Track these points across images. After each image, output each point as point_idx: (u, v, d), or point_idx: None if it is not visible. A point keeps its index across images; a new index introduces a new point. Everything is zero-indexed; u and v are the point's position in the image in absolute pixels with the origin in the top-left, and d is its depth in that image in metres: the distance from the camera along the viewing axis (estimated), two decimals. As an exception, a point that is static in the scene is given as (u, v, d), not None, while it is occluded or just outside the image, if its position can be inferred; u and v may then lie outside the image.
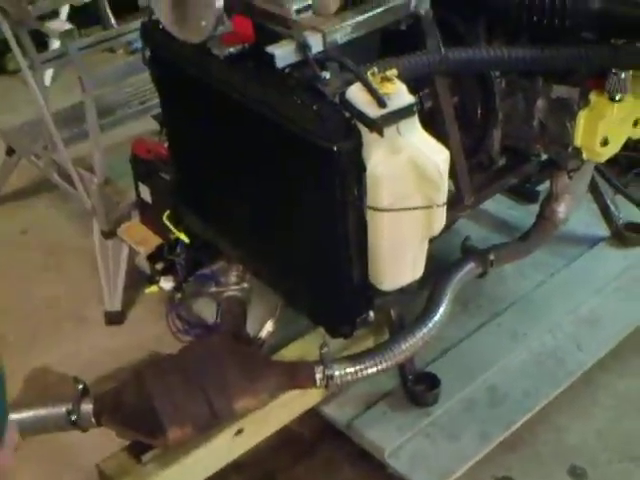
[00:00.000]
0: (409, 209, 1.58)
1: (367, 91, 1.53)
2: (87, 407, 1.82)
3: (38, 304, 2.78)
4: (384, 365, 1.92)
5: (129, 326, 2.67)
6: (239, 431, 1.93)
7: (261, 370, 1.88)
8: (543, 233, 2.26)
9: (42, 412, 1.84)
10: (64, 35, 2.21)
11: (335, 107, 1.56)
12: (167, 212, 2.35)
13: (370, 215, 1.61)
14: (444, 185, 1.55)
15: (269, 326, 1.99)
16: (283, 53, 1.59)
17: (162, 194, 2.42)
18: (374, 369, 1.91)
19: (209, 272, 2.40)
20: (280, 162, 1.67)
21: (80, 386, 1.84)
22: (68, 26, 2.25)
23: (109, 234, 2.63)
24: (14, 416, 1.80)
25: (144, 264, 2.55)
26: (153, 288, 2.37)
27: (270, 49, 1.59)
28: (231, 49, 1.69)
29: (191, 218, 2.14)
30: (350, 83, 1.58)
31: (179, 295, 2.37)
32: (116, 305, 2.66)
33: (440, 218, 1.61)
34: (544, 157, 2.14)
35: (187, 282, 2.39)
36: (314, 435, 2.24)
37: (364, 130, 1.55)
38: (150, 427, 1.78)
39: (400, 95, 1.54)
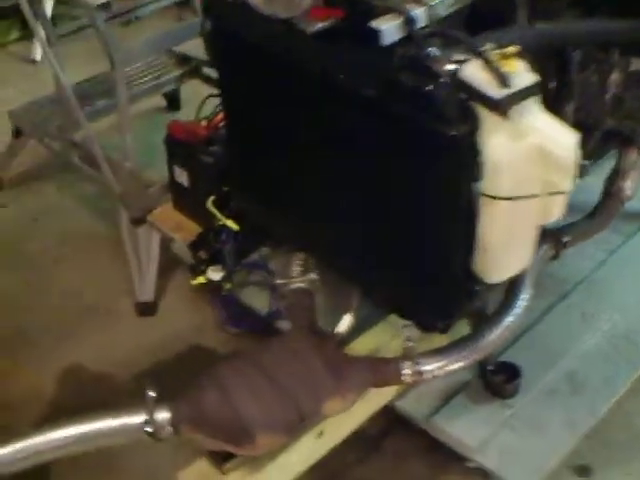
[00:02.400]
0: (532, 197, 1.46)
1: (487, 69, 1.40)
2: (163, 416, 1.68)
3: (58, 297, 2.62)
4: (472, 358, 1.82)
5: (163, 317, 2.52)
6: (320, 433, 1.82)
7: (346, 368, 1.76)
8: (610, 211, 2.16)
9: (110, 423, 1.69)
10: (99, 8, 2.02)
11: (450, 88, 1.43)
12: (211, 197, 2.20)
13: (485, 203, 1.49)
14: (573, 171, 1.44)
15: (347, 319, 1.86)
16: (389, 29, 1.45)
17: (203, 178, 2.27)
18: (462, 363, 1.81)
19: (258, 260, 2.26)
20: (383, 147, 1.54)
21: (153, 393, 1.69)
22: (101, -1, 2.06)
23: (139, 221, 2.46)
24: (74, 429, 1.67)
25: (183, 252, 2.40)
26: (200, 279, 2.22)
27: (375, 24, 1.46)
28: (320, 24, 1.55)
29: (250, 204, 2.00)
30: (460, 61, 1.45)
31: (228, 285, 2.23)
32: (148, 295, 2.51)
33: (561, 204, 1.50)
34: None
35: (236, 271, 2.24)
36: (379, 431, 2.13)
37: (482, 112, 1.42)
38: (238, 435, 1.65)
39: (522, 73, 1.42)
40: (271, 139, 1.81)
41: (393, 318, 2.03)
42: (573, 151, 1.42)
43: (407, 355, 1.78)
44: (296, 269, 2.01)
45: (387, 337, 1.99)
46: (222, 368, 1.73)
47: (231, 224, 2.18)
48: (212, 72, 2.88)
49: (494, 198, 1.47)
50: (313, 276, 1.97)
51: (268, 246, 2.32)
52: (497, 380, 1.96)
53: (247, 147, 1.93)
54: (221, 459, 1.74)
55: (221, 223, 2.20)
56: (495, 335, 1.82)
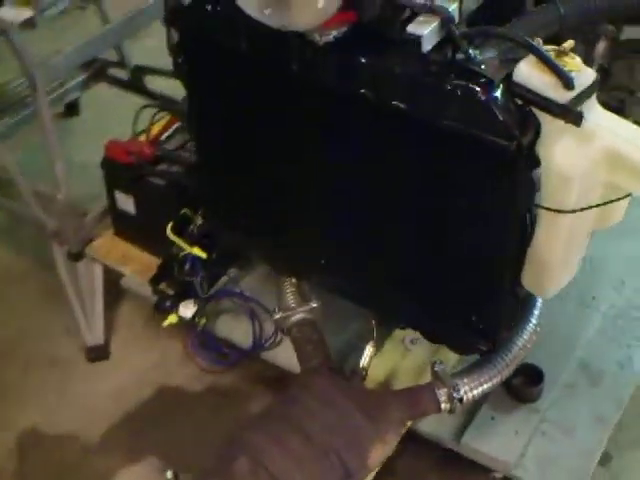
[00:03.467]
0: (598, 205, 1.31)
1: (544, 69, 1.24)
2: (187, 497, 1.46)
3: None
4: (507, 371, 1.68)
5: (118, 360, 2.25)
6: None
7: (380, 407, 1.59)
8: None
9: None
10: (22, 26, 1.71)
11: (505, 94, 1.25)
12: (170, 224, 1.96)
13: (547, 217, 1.33)
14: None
15: (368, 352, 1.68)
16: (430, 33, 1.26)
17: (154, 203, 2.02)
18: (499, 378, 1.68)
19: (231, 286, 2.03)
20: (425, 163, 1.36)
21: (170, 475, 1.46)
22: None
23: (78, 256, 2.17)
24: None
25: (136, 287, 2.15)
26: (171, 318, 1.98)
27: (413, 29, 1.25)
28: (334, 32, 1.33)
29: (235, 237, 1.77)
30: (508, 62, 1.28)
31: (203, 320, 2.00)
32: (97, 337, 2.23)
33: (623, 208, 1.37)
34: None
35: (209, 303, 2.01)
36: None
37: (543, 118, 1.26)
38: (281, 508, 1.45)
39: (583, 70, 1.27)
40: (263, 164, 1.58)
41: (396, 333, 1.88)
42: (645, 150, 1.28)
43: (441, 380, 1.63)
44: (291, 299, 1.80)
45: (398, 356, 1.83)
46: (251, 434, 1.52)
47: (198, 252, 1.95)
48: (120, 73, 2.59)
49: (559, 211, 1.31)
50: (314, 304, 1.77)
51: (237, 268, 2.10)
52: (520, 385, 1.84)
53: (228, 174, 1.68)
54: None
55: (185, 252, 1.96)
56: (523, 343, 1.69)
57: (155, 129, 2.12)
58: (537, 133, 1.27)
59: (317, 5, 1.24)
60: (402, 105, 1.29)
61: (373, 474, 1.63)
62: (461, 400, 1.62)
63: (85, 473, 2.00)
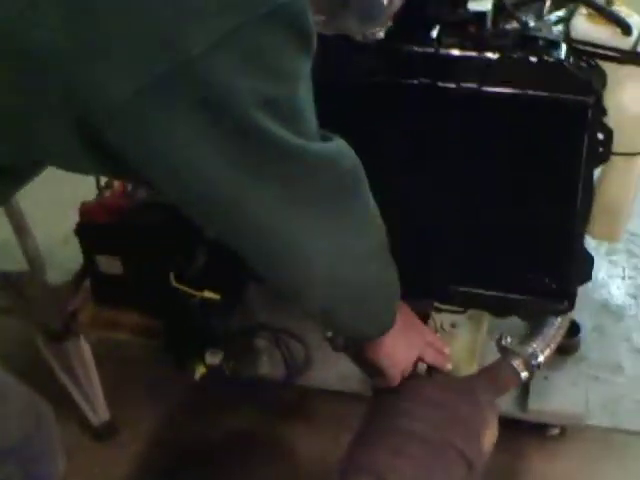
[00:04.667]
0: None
1: (597, 20, 1.27)
2: None
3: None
4: (563, 328, 1.71)
5: (130, 431, 2.10)
6: None
7: (474, 392, 1.57)
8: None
9: None
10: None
11: (571, 52, 1.27)
12: (172, 274, 1.85)
13: (620, 164, 1.37)
14: None
15: (439, 342, 1.65)
16: (488, 7, 1.25)
17: (148, 256, 1.89)
18: (559, 336, 1.70)
19: (253, 322, 1.95)
20: (500, 139, 1.35)
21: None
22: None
23: (63, 335, 2.01)
24: None
25: (136, 352, 2.01)
26: (201, 370, 1.86)
27: (475, 7, 1.25)
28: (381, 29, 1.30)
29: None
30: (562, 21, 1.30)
31: (231, 363, 1.90)
32: (103, 414, 2.08)
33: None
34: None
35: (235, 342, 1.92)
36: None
37: (608, 68, 1.30)
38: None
39: (630, 13, 1.31)
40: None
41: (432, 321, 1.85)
42: None
43: (513, 353, 1.63)
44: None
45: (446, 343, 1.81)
46: (365, 454, 1.46)
47: (210, 294, 1.85)
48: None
49: (632, 154, 1.35)
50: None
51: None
52: (562, 339, 1.87)
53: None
54: None
55: (196, 299, 1.85)
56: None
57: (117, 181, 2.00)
58: (605, 83, 1.29)
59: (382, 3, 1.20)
60: (475, 86, 1.28)
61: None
62: (539, 365, 1.63)
63: None
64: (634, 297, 2.02)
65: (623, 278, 2.07)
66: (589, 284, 1.97)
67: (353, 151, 1.07)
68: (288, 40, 0.90)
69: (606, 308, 2.01)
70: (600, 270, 2.09)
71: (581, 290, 1.95)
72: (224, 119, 0.89)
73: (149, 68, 0.85)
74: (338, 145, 1.05)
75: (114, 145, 0.90)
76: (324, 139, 1.03)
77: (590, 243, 1.96)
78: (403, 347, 1.46)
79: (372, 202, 1.16)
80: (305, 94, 0.96)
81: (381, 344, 1.41)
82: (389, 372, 1.47)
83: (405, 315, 1.45)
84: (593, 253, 2.00)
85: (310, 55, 0.94)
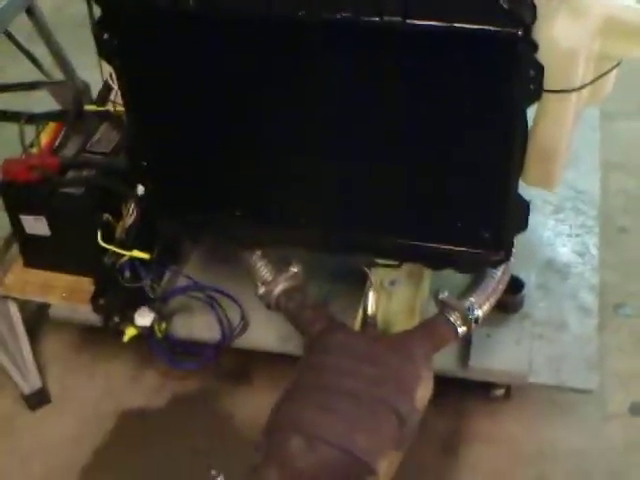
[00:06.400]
0: (598, 78, 1.30)
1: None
2: (249, 499, 1.32)
3: None
4: (503, 282, 1.66)
5: (63, 399, 2.02)
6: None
7: (408, 347, 1.51)
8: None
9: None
10: None
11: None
12: (99, 233, 1.77)
13: (552, 103, 1.31)
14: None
15: (373, 297, 1.59)
16: None
17: (73, 215, 1.81)
18: (499, 291, 1.65)
19: (189, 282, 1.87)
20: (424, 75, 1.28)
21: (218, 475, 1.33)
22: None
23: (-14, 299, 1.93)
24: None
25: (70, 313, 1.94)
26: (130, 332, 1.79)
27: None
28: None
29: (180, 217, 1.62)
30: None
31: (163, 324, 1.83)
32: (34, 382, 1.99)
33: (612, 81, 1.37)
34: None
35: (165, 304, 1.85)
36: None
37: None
38: (353, 475, 1.36)
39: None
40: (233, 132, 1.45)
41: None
42: (641, 11, 1.28)
43: (450, 307, 1.58)
44: (266, 271, 1.68)
45: (384, 301, 1.74)
46: (295, 410, 1.40)
47: (139, 254, 1.77)
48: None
49: (568, 91, 1.29)
50: (295, 269, 1.66)
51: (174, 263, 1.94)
52: (504, 296, 1.82)
53: (183, 142, 1.53)
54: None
55: (123, 259, 1.78)
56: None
57: (43, 139, 1.92)
58: (535, 16, 1.23)
59: None
60: (399, 19, 1.21)
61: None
62: (477, 320, 1.57)
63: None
64: (580, 255, 1.97)
65: (570, 236, 2.01)
66: (535, 242, 1.96)
67: None
68: None
69: (552, 266, 1.95)
70: (546, 228, 2.03)
71: (526, 248, 1.92)
72: None
73: None
74: None
75: None
76: None
77: (536, 202, 1.93)
78: None
79: None
80: None
81: None
82: None
83: None
84: (539, 214, 2.00)
85: None
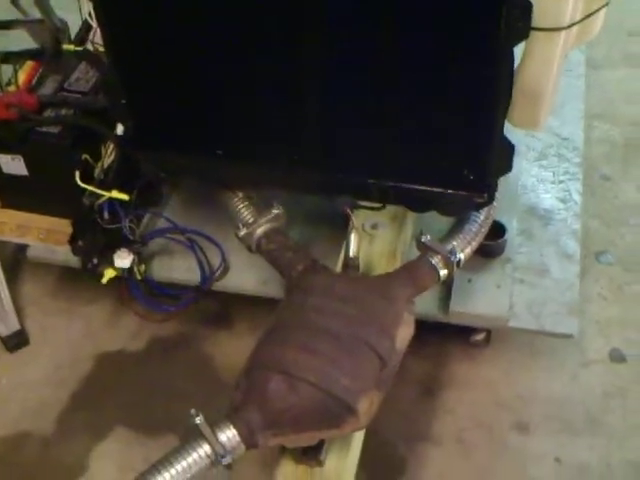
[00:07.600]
0: (588, 16, 1.28)
1: None
2: (228, 436, 1.32)
3: None
4: (485, 226, 1.65)
5: (42, 341, 2.01)
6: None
7: (388, 289, 1.50)
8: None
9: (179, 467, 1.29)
10: None
11: None
12: (77, 172, 1.74)
13: (540, 42, 1.29)
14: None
15: (355, 239, 1.58)
16: None
17: (52, 155, 1.78)
18: (482, 234, 1.64)
19: (169, 224, 1.85)
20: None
21: (199, 419, 1.32)
22: None
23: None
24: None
25: (48, 254, 1.92)
26: (109, 273, 1.78)
27: None
28: None
29: (161, 155, 1.60)
30: None
31: (142, 267, 1.81)
32: (12, 324, 1.98)
33: (601, 20, 1.35)
34: None
35: (144, 245, 1.83)
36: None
37: None
38: (335, 413, 1.35)
39: None
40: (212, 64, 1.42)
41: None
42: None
43: (432, 250, 1.56)
44: (247, 213, 1.67)
45: (366, 244, 1.73)
46: (274, 350, 1.39)
47: (118, 195, 1.75)
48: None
49: (557, 29, 1.27)
50: (277, 210, 1.64)
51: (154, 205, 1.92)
52: (486, 241, 1.81)
53: (167, 75, 1.49)
54: (314, 452, 1.42)
55: (102, 200, 1.76)
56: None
57: (20, 77, 1.87)
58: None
59: None
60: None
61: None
62: (459, 263, 1.57)
63: (52, 467, 1.79)
64: (563, 201, 1.97)
65: (553, 182, 2.01)
66: (518, 188, 1.95)
67: None
68: None
69: (534, 212, 1.95)
70: (529, 175, 2.02)
71: (509, 194, 1.91)
72: None
73: None
74: None
75: None
76: None
77: (519, 148, 1.91)
78: None
79: None
80: None
81: None
82: None
83: None
84: (522, 160, 1.99)
85: None
